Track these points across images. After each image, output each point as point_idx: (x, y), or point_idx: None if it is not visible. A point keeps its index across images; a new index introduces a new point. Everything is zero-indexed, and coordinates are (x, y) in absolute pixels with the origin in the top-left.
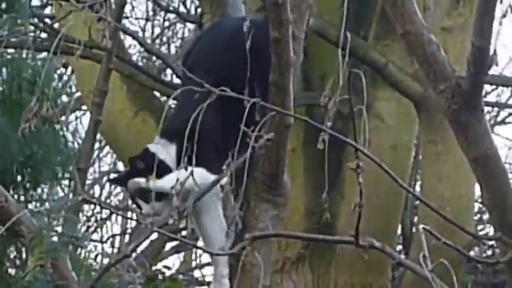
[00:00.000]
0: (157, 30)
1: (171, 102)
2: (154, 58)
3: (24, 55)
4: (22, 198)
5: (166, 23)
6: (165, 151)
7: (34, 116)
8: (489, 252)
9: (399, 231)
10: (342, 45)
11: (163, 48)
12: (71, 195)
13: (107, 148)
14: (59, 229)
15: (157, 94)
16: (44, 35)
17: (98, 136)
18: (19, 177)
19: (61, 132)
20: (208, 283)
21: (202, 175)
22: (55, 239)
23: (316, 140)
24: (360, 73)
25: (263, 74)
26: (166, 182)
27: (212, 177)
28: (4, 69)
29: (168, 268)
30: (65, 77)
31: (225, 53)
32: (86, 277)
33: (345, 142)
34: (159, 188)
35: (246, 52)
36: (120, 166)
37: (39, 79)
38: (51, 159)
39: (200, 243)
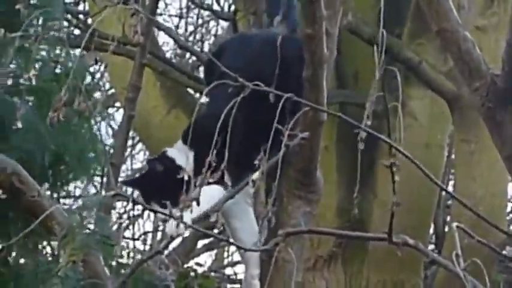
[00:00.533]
0: (190, 28)
1: (203, 99)
2: (187, 55)
3: (57, 51)
4: (55, 195)
5: (200, 21)
6: (184, 156)
7: (63, 106)
8: None
9: (432, 229)
10: (378, 43)
11: (197, 46)
12: (103, 192)
13: (140, 145)
14: (91, 226)
15: (191, 91)
16: (77, 32)
17: (131, 133)
18: (51, 172)
19: (94, 127)
20: (240, 281)
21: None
22: (87, 236)
23: (349, 137)
24: (395, 71)
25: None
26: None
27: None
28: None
29: (200, 265)
30: (99, 74)
31: (253, 61)
32: (118, 274)
33: (379, 140)
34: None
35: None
36: None
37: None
38: (84, 155)
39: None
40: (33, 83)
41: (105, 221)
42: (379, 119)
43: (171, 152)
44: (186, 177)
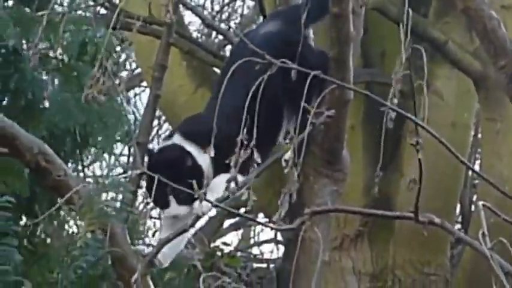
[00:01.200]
0: (216, 8)
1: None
2: (213, 35)
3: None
4: (81, 174)
5: (226, 0)
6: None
7: (97, 82)
8: None
9: (458, 209)
10: (404, 22)
11: (223, 25)
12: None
13: (166, 125)
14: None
15: (217, 70)
16: (103, 11)
17: (157, 113)
18: (78, 151)
19: (121, 106)
20: (267, 260)
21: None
22: (108, 208)
23: (375, 117)
24: (421, 49)
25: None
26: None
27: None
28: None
29: (227, 245)
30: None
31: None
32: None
33: (405, 119)
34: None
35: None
36: None
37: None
38: (110, 132)
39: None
40: (61, 60)
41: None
42: (405, 98)
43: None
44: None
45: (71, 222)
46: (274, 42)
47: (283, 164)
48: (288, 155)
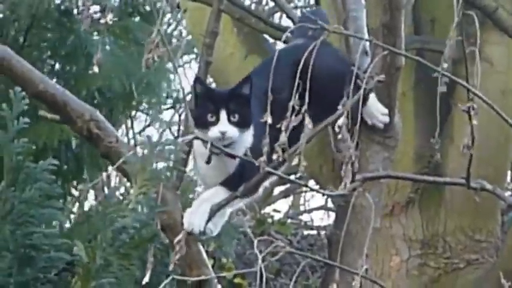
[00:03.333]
0: None
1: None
2: (263, 2)
3: None
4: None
5: None
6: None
7: (156, 46)
8: None
9: (509, 177)
10: None
11: None
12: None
13: None
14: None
15: (268, 37)
16: None
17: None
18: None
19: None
20: (318, 227)
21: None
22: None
23: (426, 83)
24: (472, 16)
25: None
26: None
27: None
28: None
29: (277, 212)
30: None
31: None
32: None
33: (456, 86)
34: None
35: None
36: None
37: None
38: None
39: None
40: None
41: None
42: (455, 66)
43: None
44: None
45: (122, 189)
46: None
47: (337, 129)
48: (342, 120)
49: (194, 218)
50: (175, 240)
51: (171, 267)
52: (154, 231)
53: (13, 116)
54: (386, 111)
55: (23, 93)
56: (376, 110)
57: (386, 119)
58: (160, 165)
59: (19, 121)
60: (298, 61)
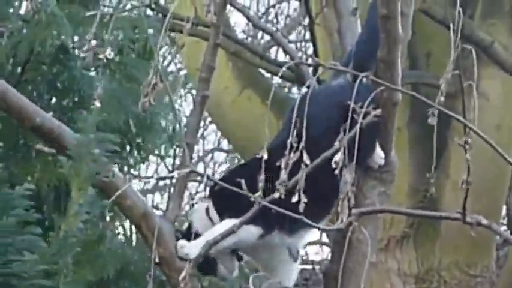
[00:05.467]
0: (262, 9)
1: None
2: (259, 36)
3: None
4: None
5: (272, 1)
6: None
7: (153, 89)
8: None
9: (504, 211)
10: (451, 23)
11: (270, 25)
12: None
13: (211, 127)
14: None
15: (263, 72)
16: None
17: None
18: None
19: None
20: (312, 262)
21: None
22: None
23: (421, 118)
24: (469, 50)
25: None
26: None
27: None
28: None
29: None
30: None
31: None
32: None
33: (451, 121)
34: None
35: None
36: (225, 144)
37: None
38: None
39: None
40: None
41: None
42: (451, 100)
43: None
44: None
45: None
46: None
47: (333, 165)
48: (339, 156)
49: (189, 248)
50: (181, 277)
51: None
52: (101, 232)
53: None
54: (383, 155)
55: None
56: (377, 154)
57: (382, 162)
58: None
59: None
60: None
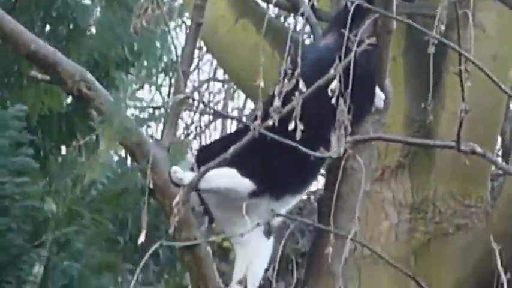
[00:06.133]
0: None
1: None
2: None
3: None
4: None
5: None
6: None
7: (145, 12)
8: None
9: (499, 142)
10: None
11: None
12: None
13: (207, 56)
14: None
15: (259, 1)
16: None
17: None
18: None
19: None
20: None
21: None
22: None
23: (417, 48)
24: None
25: None
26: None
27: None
28: None
29: None
30: None
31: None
32: None
33: (447, 51)
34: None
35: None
36: (220, 74)
37: None
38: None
39: None
40: None
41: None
42: (446, 30)
43: None
44: None
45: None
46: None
47: (330, 93)
48: (335, 84)
49: (183, 173)
50: (174, 203)
51: (171, 230)
52: (126, 186)
53: None
54: (384, 96)
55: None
56: (377, 96)
57: (382, 105)
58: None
59: None
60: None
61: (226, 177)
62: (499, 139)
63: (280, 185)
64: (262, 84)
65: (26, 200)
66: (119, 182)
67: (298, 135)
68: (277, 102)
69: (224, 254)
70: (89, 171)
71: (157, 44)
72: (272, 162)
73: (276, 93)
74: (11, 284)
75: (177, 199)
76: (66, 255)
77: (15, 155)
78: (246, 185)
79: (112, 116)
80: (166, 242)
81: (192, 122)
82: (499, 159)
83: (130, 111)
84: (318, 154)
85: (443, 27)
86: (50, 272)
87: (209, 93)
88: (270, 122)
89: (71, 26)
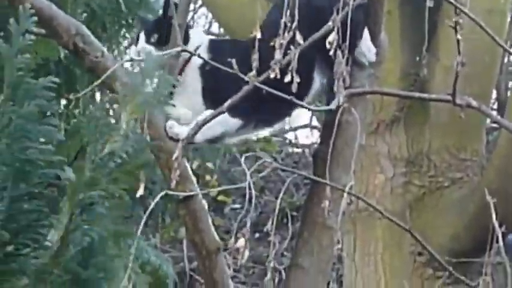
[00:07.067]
0: None
1: None
2: None
3: None
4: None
5: None
6: None
7: None
8: None
9: (494, 96)
10: None
11: None
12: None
13: (202, 10)
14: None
15: None
16: None
17: None
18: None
19: None
20: (302, 145)
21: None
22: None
23: (412, 1)
24: None
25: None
26: None
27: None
28: None
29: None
30: None
31: None
32: None
33: (441, 4)
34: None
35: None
36: (215, 27)
37: None
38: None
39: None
40: None
41: (168, 81)
42: None
43: None
44: None
45: (107, 105)
46: None
47: (327, 46)
48: (332, 36)
49: (179, 127)
50: (174, 157)
51: (173, 184)
52: (146, 159)
53: (19, 31)
54: (375, 50)
55: (32, 10)
56: (367, 48)
57: (373, 58)
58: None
59: (25, 37)
60: None
61: (218, 125)
62: (494, 93)
63: (262, 119)
64: (259, 35)
65: (48, 168)
66: (137, 157)
67: (295, 87)
68: (278, 55)
69: (219, 208)
70: (109, 142)
71: None
72: (257, 102)
73: (276, 46)
74: (29, 247)
75: (176, 154)
76: (87, 218)
77: (41, 124)
78: (235, 123)
79: (136, 90)
80: (170, 191)
81: None
82: (494, 113)
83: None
84: (315, 108)
85: None
86: (70, 235)
87: None
88: (271, 74)
89: None
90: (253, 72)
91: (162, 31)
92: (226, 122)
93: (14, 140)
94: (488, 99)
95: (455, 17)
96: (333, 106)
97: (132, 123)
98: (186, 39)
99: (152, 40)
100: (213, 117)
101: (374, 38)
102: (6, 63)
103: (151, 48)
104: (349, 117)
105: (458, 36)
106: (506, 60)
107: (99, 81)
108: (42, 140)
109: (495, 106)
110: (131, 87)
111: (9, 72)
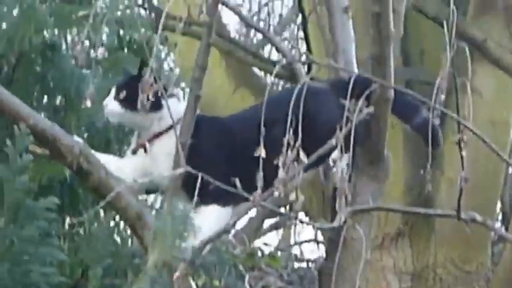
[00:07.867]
0: (255, 8)
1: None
2: (251, 35)
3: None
4: None
5: (264, 0)
6: None
7: (150, 87)
8: None
9: (499, 208)
10: (444, 21)
11: (262, 24)
12: None
13: None
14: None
15: (256, 70)
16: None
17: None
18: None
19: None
20: (308, 260)
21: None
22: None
23: None
24: (462, 47)
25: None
26: None
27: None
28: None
29: (267, 245)
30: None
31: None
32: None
33: (445, 116)
34: None
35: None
36: None
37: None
38: None
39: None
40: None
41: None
42: (445, 97)
43: None
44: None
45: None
46: None
47: (331, 163)
48: (336, 154)
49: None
50: (175, 277)
51: None
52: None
53: (16, 152)
54: None
55: (28, 129)
56: None
57: None
58: None
59: (22, 157)
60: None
61: (216, 224)
62: (499, 204)
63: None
64: (263, 154)
65: None
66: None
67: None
68: (281, 173)
69: None
70: (136, 284)
71: None
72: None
73: (280, 163)
74: None
75: (178, 272)
76: None
77: (42, 245)
78: (228, 212)
79: (164, 235)
80: None
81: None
82: (499, 224)
83: None
84: (319, 225)
85: (443, 97)
86: None
87: None
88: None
89: (70, 96)
90: (259, 191)
91: (131, 90)
92: (221, 216)
93: (16, 264)
94: (493, 211)
95: (459, 133)
96: (336, 224)
97: (159, 266)
98: (158, 107)
99: (121, 97)
100: (217, 236)
101: (377, 154)
102: (5, 185)
103: (115, 105)
104: (353, 233)
105: (463, 153)
106: (510, 171)
107: (105, 201)
108: (44, 260)
109: (500, 216)
110: (158, 229)
111: (9, 194)
